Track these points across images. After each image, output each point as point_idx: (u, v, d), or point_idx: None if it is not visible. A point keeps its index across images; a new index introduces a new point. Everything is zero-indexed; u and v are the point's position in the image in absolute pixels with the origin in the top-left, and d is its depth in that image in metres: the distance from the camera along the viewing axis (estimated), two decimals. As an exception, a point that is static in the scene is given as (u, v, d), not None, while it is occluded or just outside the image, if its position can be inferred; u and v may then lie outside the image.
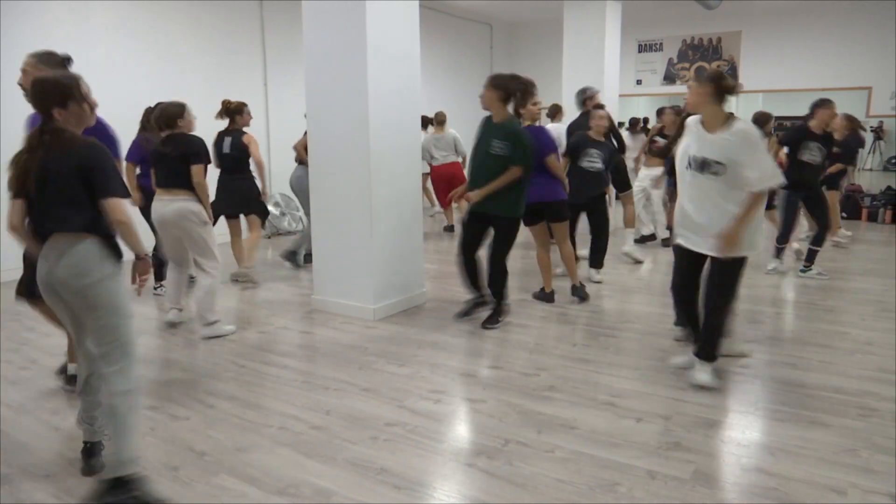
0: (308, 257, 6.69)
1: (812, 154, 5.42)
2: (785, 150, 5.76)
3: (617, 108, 8.75)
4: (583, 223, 5.58)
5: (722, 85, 3.16)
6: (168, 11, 7.30)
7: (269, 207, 6.32)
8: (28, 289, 3.15)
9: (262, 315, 4.86)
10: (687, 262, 3.44)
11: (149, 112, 5.07)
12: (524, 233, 4.95)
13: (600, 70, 8.74)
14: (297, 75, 8.78)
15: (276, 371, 3.74)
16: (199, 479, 2.58)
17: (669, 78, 11.78)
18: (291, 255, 6.43)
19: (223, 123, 5.65)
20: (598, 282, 5.63)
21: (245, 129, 5.67)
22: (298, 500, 2.42)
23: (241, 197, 5.68)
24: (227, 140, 5.58)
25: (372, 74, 4.42)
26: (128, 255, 2.36)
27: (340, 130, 4.61)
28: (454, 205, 8.02)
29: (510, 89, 4.17)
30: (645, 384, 3.44)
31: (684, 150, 3.33)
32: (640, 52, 12.01)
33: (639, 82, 12.08)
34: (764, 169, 3.12)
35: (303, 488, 2.50)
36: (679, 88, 11.45)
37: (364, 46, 4.36)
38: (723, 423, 3.03)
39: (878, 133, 11.29)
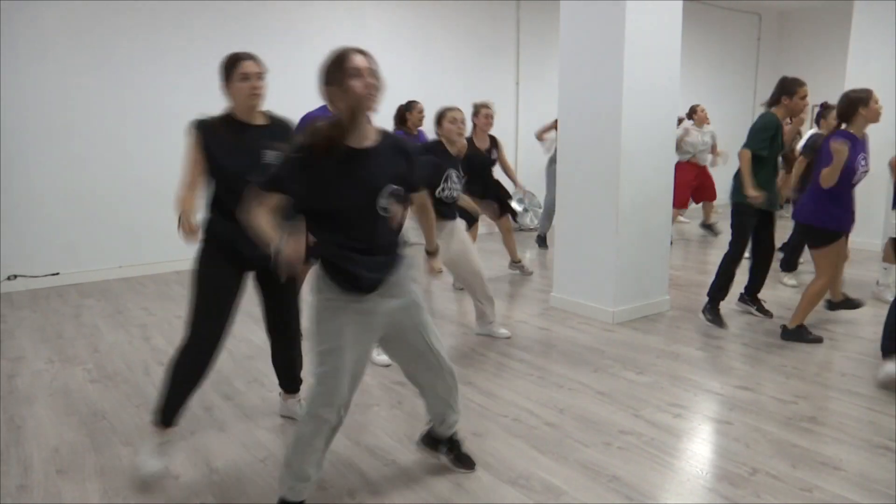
0: (542, 240, 7.33)
1: None
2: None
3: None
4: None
5: None
6: (430, 12, 7.84)
7: (513, 204, 6.61)
8: None
9: (503, 308, 5.01)
10: None
11: (402, 109, 5.50)
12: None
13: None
14: (549, 75, 8.89)
15: (513, 364, 3.84)
16: (439, 456, 2.74)
17: None
18: (542, 240, 7.43)
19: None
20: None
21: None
22: (528, 491, 2.46)
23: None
24: None
25: (628, 72, 4.30)
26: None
27: (591, 129, 4.56)
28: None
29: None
30: (937, 432, 2.91)
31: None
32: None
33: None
34: None
35: (533, 481, 2.54)
36: None
37: (622, 45, 4.26)
38: None
39: None
